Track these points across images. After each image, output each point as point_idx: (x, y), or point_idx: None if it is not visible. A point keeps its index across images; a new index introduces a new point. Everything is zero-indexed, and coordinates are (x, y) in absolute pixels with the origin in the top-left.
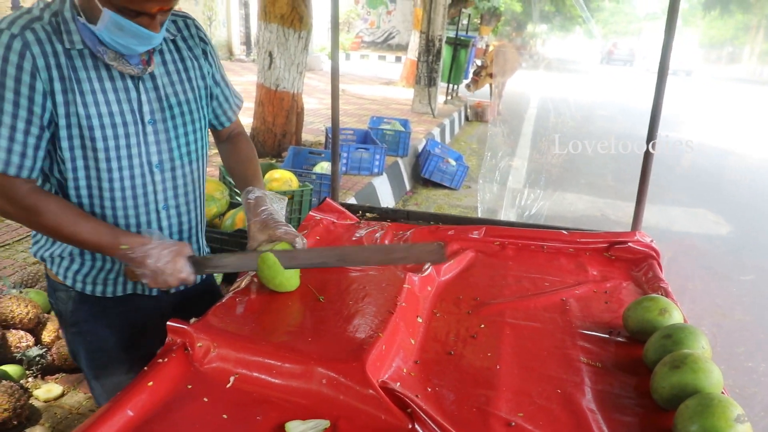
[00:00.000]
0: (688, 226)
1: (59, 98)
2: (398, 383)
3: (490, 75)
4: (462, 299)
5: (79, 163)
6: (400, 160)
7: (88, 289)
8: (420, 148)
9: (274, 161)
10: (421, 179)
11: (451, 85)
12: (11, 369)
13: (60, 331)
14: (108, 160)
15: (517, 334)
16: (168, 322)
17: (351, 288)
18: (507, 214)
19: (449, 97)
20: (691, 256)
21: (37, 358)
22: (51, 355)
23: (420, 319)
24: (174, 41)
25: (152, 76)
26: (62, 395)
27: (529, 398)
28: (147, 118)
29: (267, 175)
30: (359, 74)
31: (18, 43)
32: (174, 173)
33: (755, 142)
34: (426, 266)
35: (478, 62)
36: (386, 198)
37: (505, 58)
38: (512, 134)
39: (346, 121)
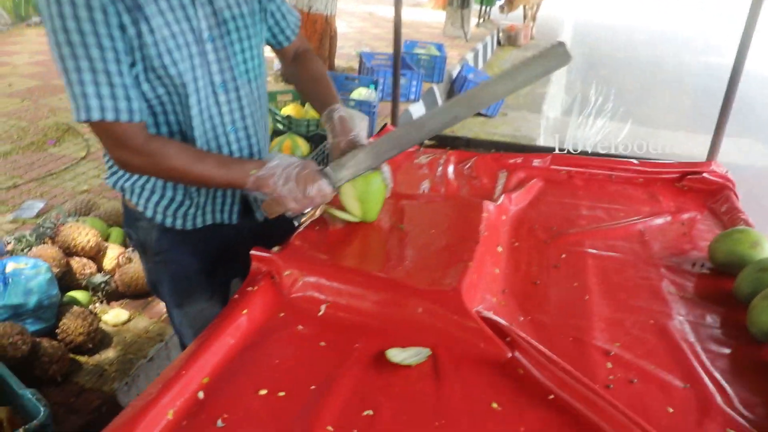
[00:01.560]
0: (734, 158)
1: (131, 31)
2: (491, 312)
3: None
4: (537, 228)
5: (160, 90)
6: (435, 87)
7: (168, 221)
8: (454, 73)
9: None
10: None
11: (483, 7)
12: (79, 295)
13: (123, 259)
14: (184, 85)
15: (599, 265)
16: (252, 251)
17: (430, 216)
18: (544, 142)
19: (481, 20)
20: (754, 188)
21: (102, 285)
22: (114, 282)
23: (500, 249)
24: None
25: None
26: (129, 320)
27: (622, 328)
28: (205, 35)
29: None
30: None
31: None
32: (238, 93)
33: None
34: (497, 194)
35: None
36: None
37: None
38: None
39: (376, 45)
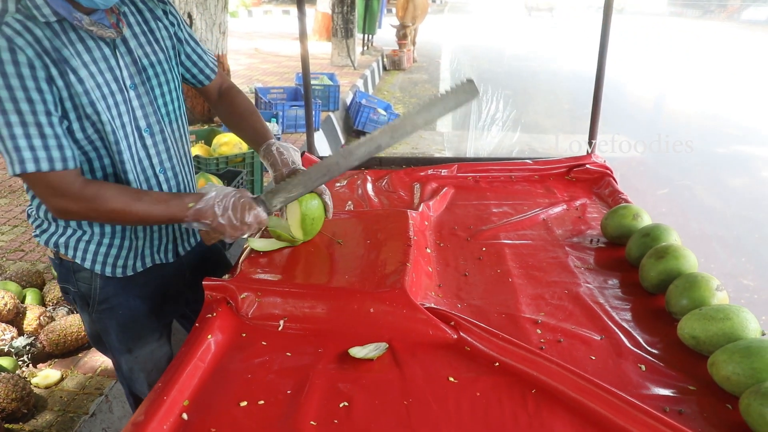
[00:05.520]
0: (610, 151)
1: (59, 82)
2: (432, 304)
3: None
4: (457, 229)
5: (94, 137)
6: (332, 115)
7: (108, 270)
8: (348, 100)
9: (207, 126)
10: (354, 131)
11: (366, 35)
12: (4, 361)
13: (44, 318)
14: (114, 131)
15: (515, 252)
16: (204, 281)
17: (362, 229)
18: (445, 155)
19: (365, 48)
20: (625, 173)
21: (27, 347)
22: (41, 342)
23: (429, 250)
24: (134, 2)
25: (124, 40)
26: (62, 379)
27: (544, 300)
28: (128, 83)
29: (215, 140)
30: (267, 31)
31: (2, 41)
32: (163, 135)
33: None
34: (416, 204)
35: (396, 23)
36: (325, 153)
37: (414, 4)
38: (431, 80)
39: (268, 80)
